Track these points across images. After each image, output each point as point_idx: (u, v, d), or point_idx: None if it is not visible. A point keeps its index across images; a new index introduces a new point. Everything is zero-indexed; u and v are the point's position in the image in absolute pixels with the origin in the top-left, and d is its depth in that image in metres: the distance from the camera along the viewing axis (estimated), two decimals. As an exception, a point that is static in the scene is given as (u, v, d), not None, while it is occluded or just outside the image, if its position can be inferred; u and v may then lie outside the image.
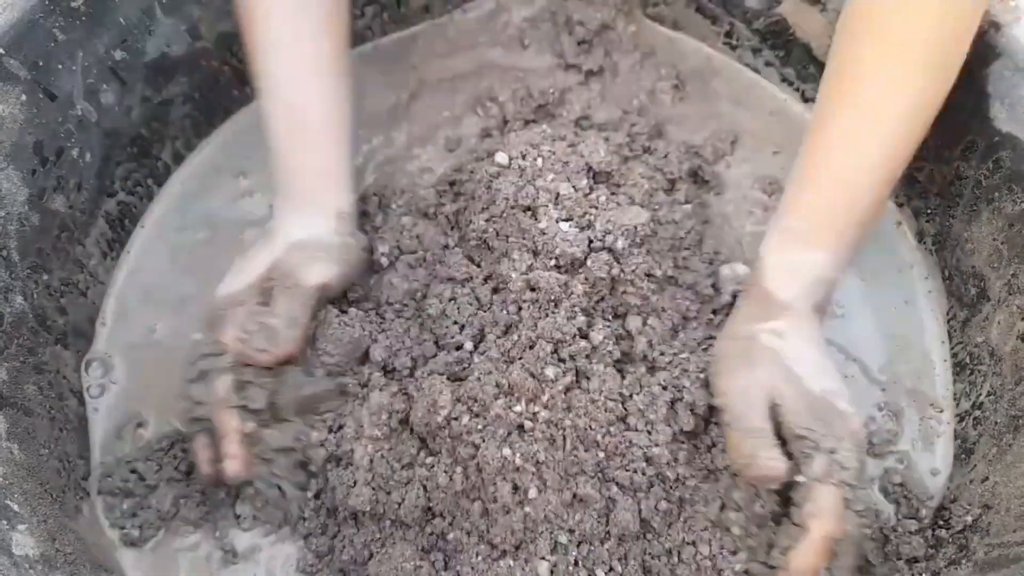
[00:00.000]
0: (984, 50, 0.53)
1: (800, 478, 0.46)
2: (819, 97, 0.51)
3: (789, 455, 0.46)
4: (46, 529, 0.47)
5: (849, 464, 0.45)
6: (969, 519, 0.50)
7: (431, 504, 0.49)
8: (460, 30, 0.68)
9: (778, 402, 0.47)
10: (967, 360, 0.56)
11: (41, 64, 0.52)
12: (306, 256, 0.53)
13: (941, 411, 0.56)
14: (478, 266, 0.56)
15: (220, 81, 0.64)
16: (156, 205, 0.62)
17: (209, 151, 0.65)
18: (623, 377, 0.51)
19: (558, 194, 0.55)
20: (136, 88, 0.59)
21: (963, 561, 0.48)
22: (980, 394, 0.54)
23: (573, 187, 0.55)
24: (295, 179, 0.54)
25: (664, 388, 0.50)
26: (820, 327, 0.50)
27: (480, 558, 0.48)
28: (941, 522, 0.51)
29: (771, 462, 0.46)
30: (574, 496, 0.48)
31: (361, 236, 0.56)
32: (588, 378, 0.50)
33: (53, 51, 0.53)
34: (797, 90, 0.66)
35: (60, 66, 0.53)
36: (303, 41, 0.53)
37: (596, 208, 0.54)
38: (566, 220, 0.54)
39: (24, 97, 0.51)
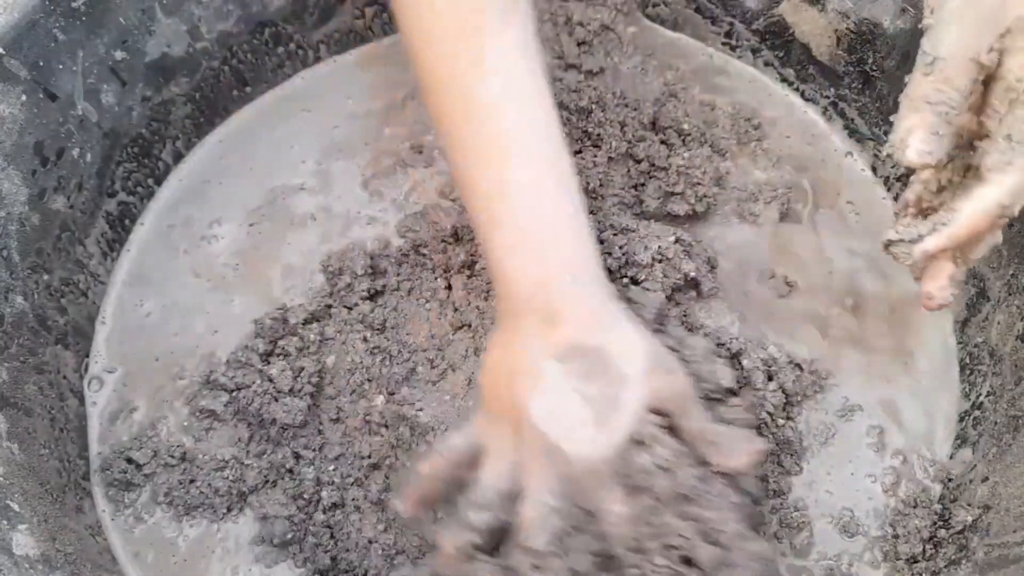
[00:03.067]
0: (984, 50, 0.53)
1: None
2: None
3: None
4: (46, 529, 0.47)
5: None
6: (969, 519, 0.50)
7: None
8: (460, 30, 0.68)
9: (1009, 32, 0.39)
10: (967, 360, 0.56)
11: (41, 64, 0.52)
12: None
13: (941, 410, 0.56)
14: None
15: (220, 81, 0.64)
16: (156, 204, 0.62)
17: (209, 150, 0.65)
18: None
19: None
20: (136, 88, 0.59)
21: (963, 561, 0.48)
22: (980, 394, 0.54)
23: None
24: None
25: None
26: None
27: None
28: (941, 522, 0.52)
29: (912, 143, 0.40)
30: None
31: None
32: None
33: (53, 51, 0.53)
34: (797, 90, 0.66)
35: (60, 66, 0.53)
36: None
37: None
38: None
39: (24, 97, 0.51)
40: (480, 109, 0.44)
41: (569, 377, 0.43)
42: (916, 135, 0.40)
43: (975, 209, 0.40)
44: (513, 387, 0.44)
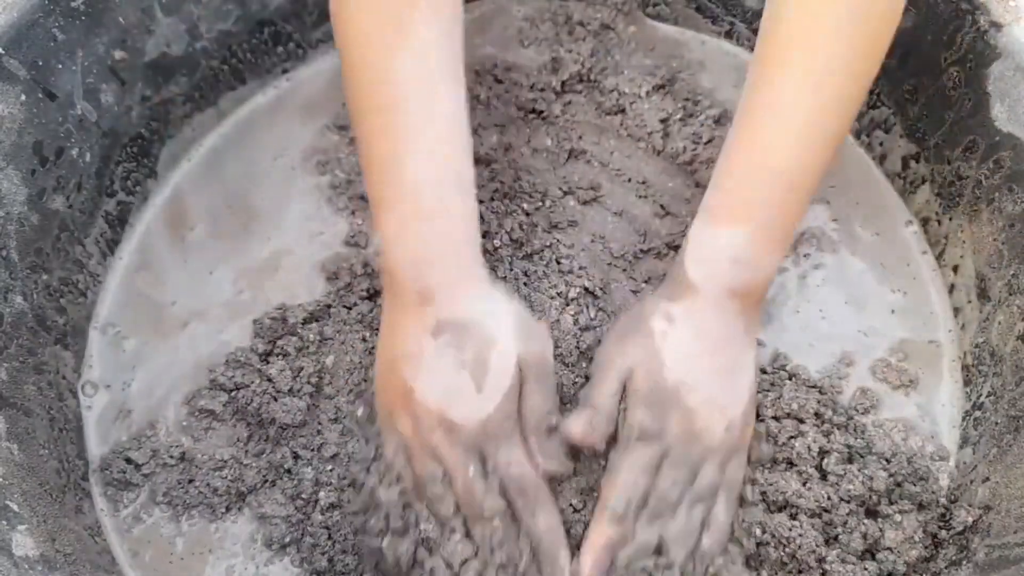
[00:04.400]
0: (984, 50, 0.52)
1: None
2: (751, 61, 0.48)
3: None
4: (46, 529, 0.47)
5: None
6: (969, 520, 0.50)
7: None
8: (460, 30, 0.68)
9: (627, 382, 0.47)
10: (967, 360, 0.56)
11: (41, 64, 0.52)
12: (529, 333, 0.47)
13: (942, 408, 0.56)
14: None
15: (220, 80, 0.64)
16: (156, 204, 0.62)
17: (208, 149, 0.65)
18: None
19: None
20: (136, 88, 0.59)
21: (963, 562, 0.48)
22: (980, 394, 0.54)
23: None
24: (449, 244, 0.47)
25: None
26: (737, 315, 0.47)
27: None
28: (941, 523, 0.51)
29: (576, 426, 0.46)
30: None
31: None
32: None
33: (53, 51, 0.53)
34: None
35: (60, 66, 0.53)
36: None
37: None
38: None
39: (24, 97, 0.51)
40: (390, 95, 0.46)
41: (445, 349, 0.45)
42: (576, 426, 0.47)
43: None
44: (398, 372, 0.46)
